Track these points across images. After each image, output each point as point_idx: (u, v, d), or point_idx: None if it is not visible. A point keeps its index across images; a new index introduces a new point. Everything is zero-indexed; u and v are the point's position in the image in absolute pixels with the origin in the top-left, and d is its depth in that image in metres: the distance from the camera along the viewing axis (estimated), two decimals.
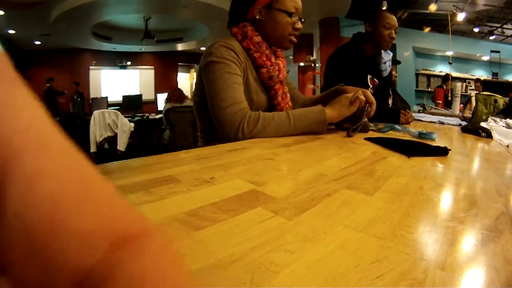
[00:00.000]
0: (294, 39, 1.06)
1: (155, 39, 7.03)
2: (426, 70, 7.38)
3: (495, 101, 1.99)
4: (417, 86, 7.28)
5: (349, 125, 0.96)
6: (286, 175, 0.49)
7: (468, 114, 2.31)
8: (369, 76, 1.66)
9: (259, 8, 1.00)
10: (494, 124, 1.47)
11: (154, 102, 5.81)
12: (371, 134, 0.98)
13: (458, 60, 7.18)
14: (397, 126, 1.10)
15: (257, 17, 1.00)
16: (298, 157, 0.63)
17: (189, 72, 10.52)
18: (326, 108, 0.94)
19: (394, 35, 1.60)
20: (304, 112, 0.93)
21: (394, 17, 1.60)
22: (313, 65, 7.68)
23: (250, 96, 0.97)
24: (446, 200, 0.43)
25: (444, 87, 5.42)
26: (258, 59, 1.00)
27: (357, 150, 0.73)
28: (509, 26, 6.17)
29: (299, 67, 7.97)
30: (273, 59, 1.04)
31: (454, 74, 7.04)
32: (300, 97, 1.30)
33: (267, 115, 0.88)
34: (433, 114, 4.29)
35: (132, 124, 4.08)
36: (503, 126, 1.46)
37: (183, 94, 4.35)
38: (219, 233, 0.28)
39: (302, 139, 0.82)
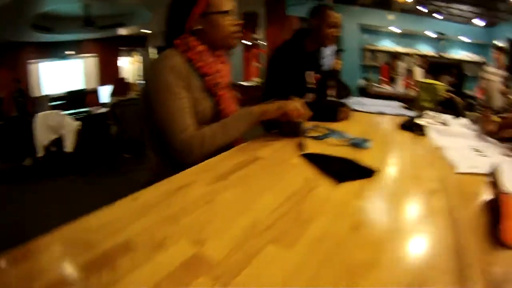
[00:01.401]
0: (239, 35, 1.19)
1: (96, 25, 7.33)
2: (372, 45, 8.15)
3: (436, 88, 2.29)
4: (363, 61, 8.02)
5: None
6: (224, 226, 0.63)
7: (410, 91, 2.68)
8: (309, 72, 1.82)
9: (196, 18, 1.11)
10: (431, 121, 1.71)
11: (97, 90, 5.84)
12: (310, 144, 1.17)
13: (405, 36, 7.96)
14: (333, 134, 1.28)
15: (196, 27, 1.12)
16: (235, 195, 0.77)
17: (132, 56, 11.13)
18: (255, 106, 1.17)
19: (337, 34, 1.78)
20: (236, 115, 1.16)
21: (339, 15, 1.78)
22: (258, 42, 7.96)
23: (195, 109, 1.11)
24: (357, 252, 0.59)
25: (390, 65, 5.97)
26: (202, 68, 1.13)
27: (291, 175, 0.90)
28: (453, 5, 6.81)
29: (244, 45, 8.27)
30: (216, 66, 1.18)
31: (401, 49, 7.78)
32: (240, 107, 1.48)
33: (208, 133, 1.06)
34: (376, 94, 4.67)
35: (78, 123, 4.13)
36: (440, 123, 1.71)
37: (127, 84, 4.54)
38: None
39: (241, 162, 0.98)
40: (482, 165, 0.99)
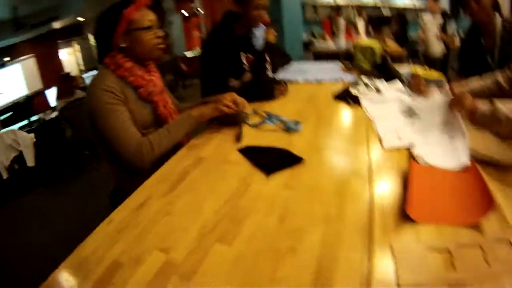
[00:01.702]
0: (162, 46, 1.36)
1: (28, 25, 7.15)
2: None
3: (372, 49, 2.53)
4: (304, 17, 8.09)
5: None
6: (182, 232, 0.85)
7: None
8: (242, 54, 1.98)
9: (120, 36, 1.26)
10: (365, 89, 1.92)
11: (43, 93, 5.61)
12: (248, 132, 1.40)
13: None
14: (269, 120, 1.50)
15: (122, 45, 1.27)
16: (186, 204, 0.98)
17: (71, 46, 10.68)
18: (193, 110, 1.40)
19: (264, 15, 1.91)
20: (177, 120, 1.38)
21: None
22: (196, 11, 7.93)
23: (135, 118, 1.30)
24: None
25: (332, 19, 6.16)
26: (134, 82, 1.30)
27: (229, 175, 1.12)
28: None
29: (183, 16, 8.23)
30: (147, 77, 1.36)
31: (342, 2, 8.01)
32: (178, 104, 1.66)
33: (155, 139, 1.27)
34: (319, 52, 4.87)
35: (33, 135, 4.12)
36: (374, 91, 1.91)
37: (71, 83, 4.47)
38: None
39: (187, 167, 1.19)
40: (406, 137, 1.25)
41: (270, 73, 2.22)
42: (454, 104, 1.26)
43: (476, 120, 1.20)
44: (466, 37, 2.20)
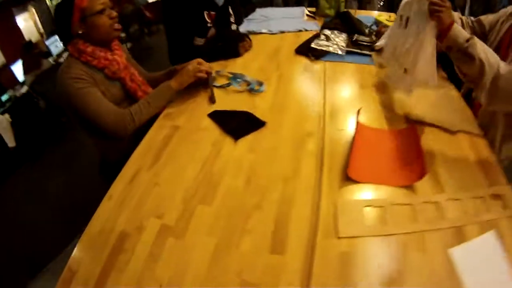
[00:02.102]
0: (117, 26, 1.48)
1: None
2: None
3: None
4: None
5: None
6: (170, 200, 1.08)
7: None
8: (205, 13, 2.05)
9: (76, 24, 1.38)
10: (325, 42, 2.08)
11: (6, 65, 5.29)
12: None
13: None
14: (234, 80, 1.71)
15: (80, 32, 1.39)
16: (170, 173, 1.20)
17: (27, 10, 9.64)
18: (171, 81, 1.56)
19: None
20: (157, 92, 1.55)
21: None
22: None
23: (106, 97, 1.45)
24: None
25: None
26: (98, 64, 1.43)
27: (203, 142, 1.33)
28: None
29: None
30: (109, 56, 1.46)
31: None
32: (146, 74, 1.81)
33: (136, 109, 1.46)
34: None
35: (7, 116, 4.10)
36: (336, 44, 2.07)
37: (36, 52, 4.32)
38: None
39: (166, 137, 1.40)
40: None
41: (234, 27, 2.30)
42: (433, 12, 1.24)
43: (447, 41, 1.22)
44: None
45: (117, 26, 1.47)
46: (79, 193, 2.85)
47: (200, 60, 1.66)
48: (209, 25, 2.09)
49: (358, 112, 1.43)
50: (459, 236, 1.00)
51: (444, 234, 1.00)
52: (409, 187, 1.12)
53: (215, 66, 1.84)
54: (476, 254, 1.00)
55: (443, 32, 1.22)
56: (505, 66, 1.17)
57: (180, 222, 1.02)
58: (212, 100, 1.59)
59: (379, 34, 2.07)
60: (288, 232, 0.96)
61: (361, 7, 5.53)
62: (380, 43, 1.86)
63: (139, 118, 1.46)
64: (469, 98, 1.66)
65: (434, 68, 1.32)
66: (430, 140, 1.32)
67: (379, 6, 6.84)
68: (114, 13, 1.44)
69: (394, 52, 1.49)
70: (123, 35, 5.27)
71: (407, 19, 1.41)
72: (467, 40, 1.17)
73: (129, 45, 5.70)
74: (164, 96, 1.56)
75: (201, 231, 0.99)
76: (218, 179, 1.16)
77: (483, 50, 1.17)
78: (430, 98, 1.64)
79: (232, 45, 2.09)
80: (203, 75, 1.62)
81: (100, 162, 1.70)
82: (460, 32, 1.19)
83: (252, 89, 1.64)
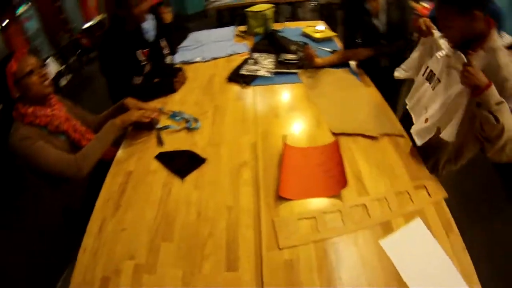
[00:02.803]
0: (47, 83, 1.63)
1: None
2: None
3: (264, 14, 2.92)
4: None
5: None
6: (138, 242, 1.33)
7: None
8: (138, 52, 2.25)
9: (12, 88, 1.54)
10: (254, 67, 2.35)
11: None
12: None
13: None
14: (174, 121, 1.95)
15: (17, 95, 1.56)
16: (131, 218, 1.43)
17: None
18: (116, 119, 1.76)
19: (145, 8, 2.15)
20: (102, 131, 1.73)
21: None
22: None
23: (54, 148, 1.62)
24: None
25: None
26: (41, 122, 1.58)
27: (154, 184, 1.56)
28: None
29: None
30: (49, 113, 1.62)
31: None
32: (92, 117, 1.99)
33: (86, 151, 1.64)
34: (218, 8, 4.82)
35: None
36: (265, 67, 2.34)
37: None
38: None
39: (122, 183, 1.61)
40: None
41: (169, 59, 2.53)
42: (467, 78, 1.32)
43: (481, 100, 1.29)
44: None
45: (47, 83, 1.60)
46: (45, 239, 2.95)
47: (144, 106, 1.90)
48: (143, 63, 2.30)
49: (285, 136, 1.72)
50: (388, 229, 1.31)
51: (373, 230, 1.30)
52: (337, 196, 1.43)
53: (155, 104, 2.09)
54: (405, 241, 1.29)
55: (478, 91, 1.29)
56: None
57: (150, 259, 1.26)
58: (160, 142, 1.82)
59: (307, 55, 2.37)
60: (239, 251, 1.25)
61: (294, 11, 5.87)
62: (399, 73, 2.01)
63: (90, 158, 1.63)
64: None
65: (454, 122, 1.45)
66: (354, 149, 1.66)
67: (310, 8, 7.24)
68: (43, 72, 1.61)
69: (419, 103, 1.72)
70: (62, 67, 5.30)
71: (438, 79, 1.57)
72: (497, 104, 1.26)
73: (69, 77, 5.72)
74: (108, 134, 1.73)
75: (169, 264, 1.24)
76: (173, 216, 1.41)
77: (508, 118, 1.27)
78: (352, 109, 1.96)
79: (168, 81, 2.31)
80: (146, 119, 1.84)
81: (62, 210, 1.88)
82: (493, 95, 1.26)
83: (189, 127, 1.89)
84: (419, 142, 1.62)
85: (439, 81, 1.57)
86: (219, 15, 5.25)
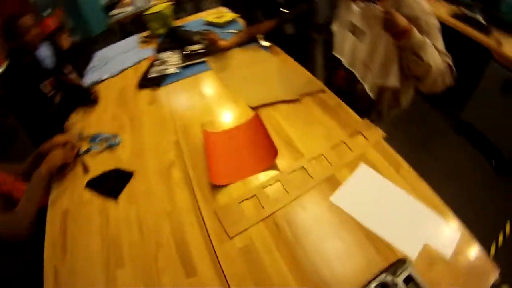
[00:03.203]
0: None
1: None
2: None
3: (163, 13, 2.84)
4: None
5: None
6: (96, 275, 1.25)
7: None
8: (43, 84, 2.15)
9: None
10: (161, 67, 2.29)
11: None
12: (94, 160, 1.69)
13: None
14: (95, 144, 1.85)
15: None
16: (81, 256, 1.34)
17: None
18: (41, 168, 1.64)
19: (36, 33, 2.08)
20: (31, 186, 1.62)
21: (26, 17, 2.05)
22: None
23: None
24: None
25: None
26: None
27: (92, 215, 1.46)
28: None
29: None
30: None
31: None
32: (16, 166, 1.86)
33: (20, 208, 1.53)
34: (122, 23, 4.70)
35: None
36: (172, 64, 2.30)
37: None
38: None
39: (60, 227, 1.50)
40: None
41: (77, 81, 2.41)
42: (388, 23, 1.35)
43: (405, 44, 1.34)
44: None
45: None
46: None
47: (61, 138, 1.77)
48: (51, 94, 2.20)
49: (203, 124, 1.70)
50: (334, 183, 1.31)
51: (320, 189, 1.30)
52: (272, 167, 1.40)
53: (72, 133, 1.97)
54: (356, 189, 1.30)
55: (400, 35, 1.34)
56: (441, 62, 1.37)
57: None
58: (85, 170, 1.73)
59: (210, 41, 2.36)
60: (191, 254, 1.21)
61: (198, 6, 5.79)
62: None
63: (26, 214, 1.53)
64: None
65: (394, 69, 1.51)
66: (278, 117, 1.65)
67: None
68: None
69: (354, 57, 1.73)
70: None
71: (363, 31, 1.61)
72: (420, 44, 1.32)
73: None
74: (38, 185, 1.63)
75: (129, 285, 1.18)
76: (118, 240, 1.34)
77: (432, 53, 1.33)
78: (266, 80, 1.94)
79: (83, 92, 2.21)
80: (71, 159, 1.74)
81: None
82: (415, 37, 1.31)
83: (110, 145, 1.81)
84: (374, 97, 1.66)
85: (363, 33, 1.61)
86: (121, 28, 5.05)
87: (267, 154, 1.44)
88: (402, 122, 2.24)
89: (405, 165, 1.37)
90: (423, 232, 1.15)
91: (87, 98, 2.19)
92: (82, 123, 2.09)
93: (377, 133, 1.49)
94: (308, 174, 1.36)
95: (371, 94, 1.67)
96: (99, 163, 1.74)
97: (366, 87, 1.68)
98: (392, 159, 1.39)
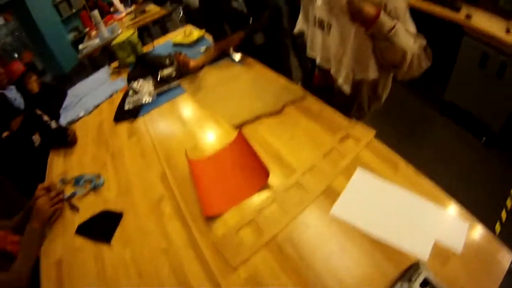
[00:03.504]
0: None
1: None
2: None
3: (131, 41, 2.77)
4: (61, 15, 7.54)
5: None
6: None
7: None
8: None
9: None
10: (136, 97, 2.20)
11: None
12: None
13: None
14: (79, 187, 1.77)
15: None
16: None
17: None
18: (32, 223, 1.57)
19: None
20: (25, 241, 1.55)
21: None
22: None
23: None
24: None
25: (88, 8, 5.85)
26: None
27: (86, 264, 1.38)
28: None
29: None
30: None
31: None
32: (8, 223, 1.77)
33: (17, 265, 1.44)
34: (88, 56, 4.67)
35: None
36: (146, 92, 2.21)
37: None
38: None
39: (56, 280, 1.41)
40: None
41: (54, 123, 2.27)
42: (353, 12, 1.30)
43: (375, 31, 1.30)
44: None
45: None
46: None
47: (44, 191, 1.68)
48: (33, 139, 2.11)
49: (186, 152, 1.59)
50: (333, 194, 1.25)
51: (318, 203, 1.24)
52: (265, 187, 1.35)
53: (54, 177, 1.89)
54: (356, 197, 1.24)
55: (368, 23, 1.28)
56: (415, 44, 1.33)
57: None
58: (75, 209, 1.65)
59: (180, 63, 2.30)
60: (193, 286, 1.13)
61: (164, 27, 5.76)
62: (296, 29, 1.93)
63: (24, 273, 1.45)
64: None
65: (371, 61, 1.46)
66: (263, 132, 1.59)
67: (179, 17, 7.19)
68: None
69: (326, 52, 1.66)
70: None
71: (329, 24, 1.53)
72: (391, 29, 1.26)
73: None
74: (33, 242, 1.56)
75: None
76: (117, 286, 1.26)
77: (405, 37, 1.29)
78: (244, 95, 1.88)
79: (59, 132, 2.13)
80: (57, 201, 1.66)
81: None
82: (385, 23, 1.26)
83: (95, 186, 1.72)
84: (348, 91, 1.59)
85: (330, 26, 1.54)
86: (92, 61, 4.98)
87: (258, 175, 1.37)
88: (385, 114, 2.20)
89: (401, 162, 1.31)
90: (430, 230, 1.09)
91: (64, 140, 2.11)
92: (63, 166, 2.01)
93: (367, 133, 1.44)
94: (304, 189, 1.30)
95: (345, 88, 1.60)
96: (86, 207, 1.65)
97: (340, 81, 1.62)
98: (388, 157, 1.34)
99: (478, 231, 1.07)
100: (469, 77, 3.05)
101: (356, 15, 1.29)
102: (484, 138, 3.11)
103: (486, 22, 2.81)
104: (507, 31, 2.67)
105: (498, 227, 2.37)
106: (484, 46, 2.77)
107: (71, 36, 7.49)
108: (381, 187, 1.24)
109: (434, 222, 1.11)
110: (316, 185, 1.30)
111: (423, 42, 1.36)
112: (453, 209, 1.14)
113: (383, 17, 1.26)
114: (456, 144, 3.15)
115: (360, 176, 1.30)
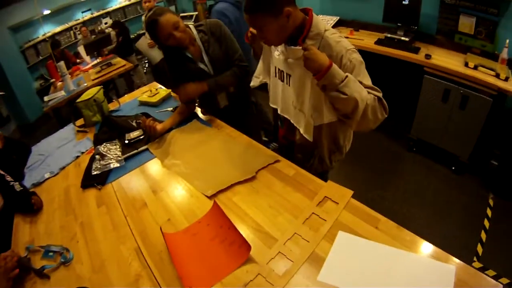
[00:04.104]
0: None
1: None
2: (30, 41, 7.45)
3: (95, 99, 2.66)
4: (28, 63, 7.37)
5: None
6: None
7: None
8: None
9: None
10: (103, 162, 2.08)
11: None
12: None
13: (60, 13, 7.99)
14: (48, 257, 1.59)
15: None
16: None
17: None
18: None
19: None
20: None
21: None
22: None
23: None
24: None
25: (54, 58, 5.75)
26: None
27: None
28: None
29: None
30: None
31: (59, 28, 7.94)
32: None
33: None
34: (53, 109, 4.52)
35: None
36: (113, 157, 2.10)
37: None
38: None
39: None
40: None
41: (18, 186, 2.09)
42: (307, 60, 1.33)
43: (325, 81, 1.31)
44: (164, 50, 2.31)
45: None
46: None
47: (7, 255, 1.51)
48: None
49: (160, 227, 1.48)
50: (318, 260, 1.19)
51: (304, 271, 1.17)
52: (248, 260, 1.26)
53: (20, 245, 1.72)
54: (341, 261, 1.19)
55: (321, 73, 1.30)
56: (369, 95, 1.35)
57: None
58: (45, 277, 1.49)
59: (147, 128, 2.21)
60: None
61: (129, 82, 5.73)
62: (254, 82, 2.01)
63: None
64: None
65: (326, 106, 1.49)
66: (238, 201, 1.51)
67: (145, 71, 7.18)
68: None
69: (286, 102, 1.69)
70: None
71: (288, 75, 1.58)
72: (342, 80, 1.28)
73: None
74: None
75: None
76: None
77: (355, 87, 1.30)
78: (215, 161, 1.85)
79: (21, 212, 1.98)
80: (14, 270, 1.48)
81: None
82: (336, 73, 1.29)
83: (65, 261, 1.56)
84: (310, 138, 1.60)
85: (289, 76, 1.57)
86: (56, 114, 4.83)
87: (238, 247, 1.29)
88: (353, 159, 2.21)
89: (381, 218, 1.30)
90: (419, 281, 1.09)
91: (29, 206, 1.95)
92: (30, 234, 1.83)
93: (345, 193, 1.41)
94: (288, 258, 1.23)
95: (306, 136, 1.61)
96: (58, 282, 1.47)
97: (301, 130, 1.63)
98: (367, 215, 1.32)
99: (465, 270, 1.08)
100: (433, 113, 3.15)
101: (309, 63, 1.31)
102: (453, 168, 3.20)
103: (445, 59, 2.96)
104: (465, 64, 2.81)
105: (480, 248, 2.38)
106: (444, 82, 2.88)
107: (37, 84, 7.27)
108: (365, 247, 1.21)
109: (422, 273, 1.11)
110: (299, 253, 1.24)
111: (378, 94, 1.38)
112: (437, 255, 1.14)
113: (335, 68, 1.29)
114: (428, 176, 3.21)
115: (342, 238, 1.27)
